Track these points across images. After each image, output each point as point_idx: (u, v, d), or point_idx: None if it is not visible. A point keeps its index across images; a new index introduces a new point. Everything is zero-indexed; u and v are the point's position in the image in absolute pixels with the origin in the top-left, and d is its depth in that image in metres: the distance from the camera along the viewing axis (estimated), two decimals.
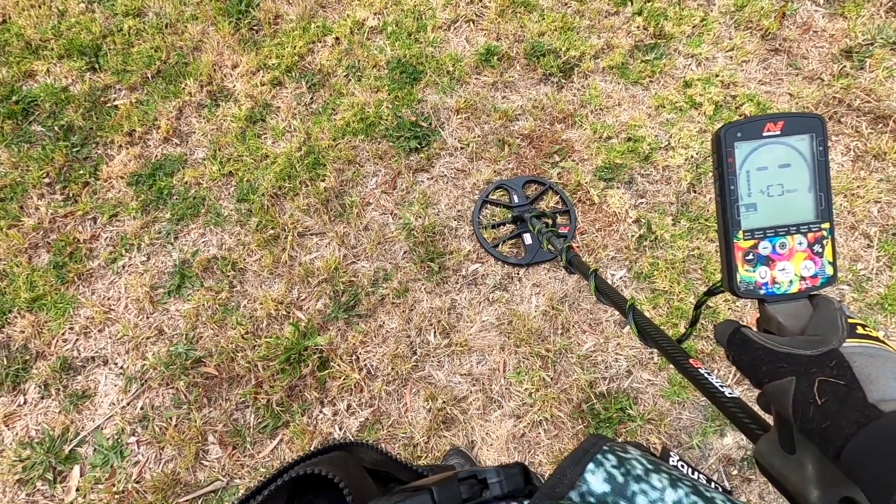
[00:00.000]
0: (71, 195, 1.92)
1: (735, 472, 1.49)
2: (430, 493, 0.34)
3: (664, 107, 2.01)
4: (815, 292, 0.43)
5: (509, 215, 1.82)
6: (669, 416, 1.54)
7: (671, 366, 1.59)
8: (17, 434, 1.58)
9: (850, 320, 0.38)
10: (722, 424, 1.52)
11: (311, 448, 1.46)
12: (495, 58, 2.12)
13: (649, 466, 0.37)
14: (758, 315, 0.46)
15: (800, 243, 0.43)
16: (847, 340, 0.36)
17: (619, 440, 0.42)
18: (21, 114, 2.07)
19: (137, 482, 1.50)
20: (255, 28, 2.25)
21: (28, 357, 1.67)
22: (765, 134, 0.42)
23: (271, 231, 1.81)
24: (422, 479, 0.46)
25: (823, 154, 0.43)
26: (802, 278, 0.43)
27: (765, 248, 0.43)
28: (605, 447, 0.38)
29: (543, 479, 0.39)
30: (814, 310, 0.42)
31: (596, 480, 0.35)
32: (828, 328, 0.38)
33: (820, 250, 0.43)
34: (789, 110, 1.94)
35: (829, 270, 0.43)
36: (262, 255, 1.78)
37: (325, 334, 1.66)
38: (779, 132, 0.42)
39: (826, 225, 0.43)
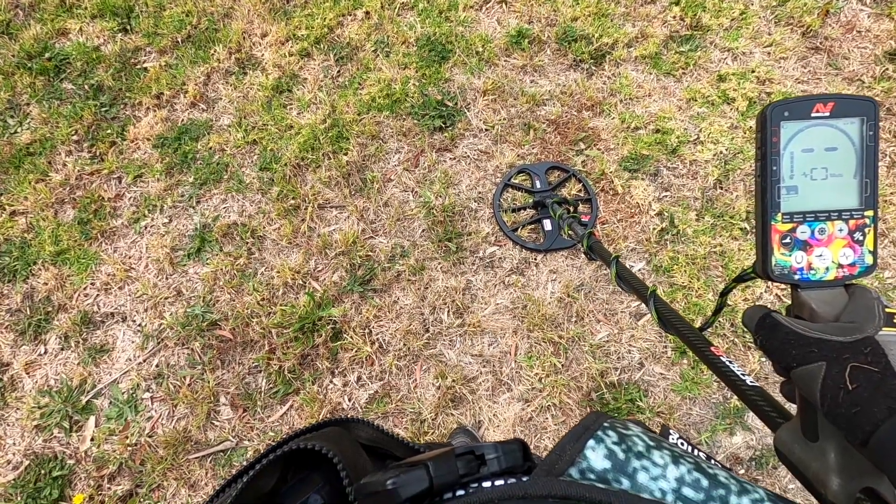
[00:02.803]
0: (98, 153, 1.95)
1: (742, 472, 1.47)
2: (426, 469, 0.33)
3: (696, 100, 1.97)
4: (852, 281, 0.42)
5: (530, 200, 1.81)
6: (679, 410, 1.53)
7: (684, 361, 1.58)
8: (36, 382, 1.63)
9: (887, 310, 0.37)
10: (732, 423, 1.51)
11: (319, 417, 1.47)
12: (526, 41, 2.09)
13: (651, 443, 0.36)
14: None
15: (840, 230, 0.41)
16: (883, 329, 0.35)
17: (619, 417, 0.41)
18: (53, 71, 2.10)
19: (150, 436, 1.54)
20: None
21: (50, 309, 1.71)
22: (813, 115, 0.41)
23: (292, 201, 1.82)
24: (419, 455, 0.46)
25: (873, 139, 0.41)
26: (840, 266, 0.41)
27: (803, 232, 0.41)
28: (605, 424, 0.37)
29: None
30: (849, 298, 0.41)
31: (596, 457, 0.34)
32: (864, 316, 0.37)
33: (861, 238, 0.41)
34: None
35: (869, 259, 0.42)
36: (282, 224, 1.80)
37: (340, 306, 1.67)
38: (828, 114, 0.41)
39: (870, 213, 0.41)
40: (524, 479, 0.33)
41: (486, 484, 0.34)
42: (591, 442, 0.35)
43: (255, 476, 0.36)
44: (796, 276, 0.42)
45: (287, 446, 0.37)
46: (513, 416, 1.53)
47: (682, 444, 0.53)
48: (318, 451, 0.36)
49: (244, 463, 1.50)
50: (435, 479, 0.33)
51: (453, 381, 1.56)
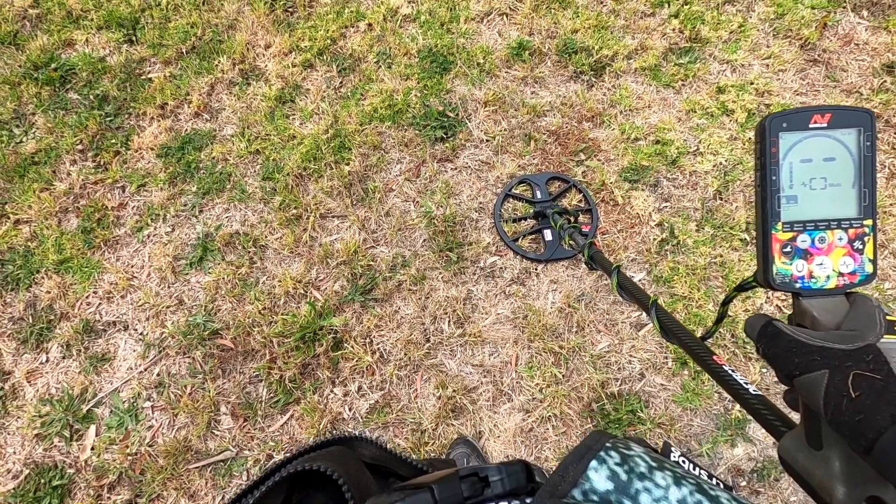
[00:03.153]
0: (102, 163, 1.97)
1: (744, 484, 1.47)
2: (430, 492, 0.34)
3: (695, 111, 1.98)
4: (853, 289, 0.42)
5: (531, 210, 1.82)
6: (680, 421, 1.53)
7: (685, 371, 1.58)
8: (38, 391, 1.63)
9: (888, 317, 0.37)
10: (734, 434, 1.51)
11: (320, 427, 1.46)
12: (527, 52, 2.11)
13: (653, 464, 0.36)
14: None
15: (840, 239, 0.42)
16: (885, 336, 0.35)
17: (622, 436, 0.41)
18: (59, 81, 2.12)
19: (150, 446, 1.54)
20: (289, 10, 2.27)
21: (52, 317, 1.71)
22: (811, 126, 0.41)
23: (294, 210, 1.83)
24: (421, 474, 0.46)
25: (870, 149, 0.41)
26: (840, 274, 0.42)
27: (803, 241, 0.42)
28: (607, 444, 0.37)
29: (547, 475, 0.39)
30: (850, 306, 0.41)
31: (599, 478, 0.34)
32: (865, 324, 0.37)
33: (860, 247, 0.42)
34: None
35: (869, 268, 0.42)
36: (284, 233, 1.80)
37: (341, 315, 1.67)
38: (825, 125, 0.41)
39: (868, 222, 0.42)
40: (528, 500, 0.33)
41: None
42: (593, 463, 0.35)
43: (262, 496, 0.37)
44: (797, 285, 0.42)
45: (292, 466, 0.38)
46: (513, 426, 1.53)
47: (683, 462, 0.53)
48: (324, 472, 0.37)
49: (244, 474, 1.50)
50: (440, 501, 0.34)
51: (454, 391, 1.56)
